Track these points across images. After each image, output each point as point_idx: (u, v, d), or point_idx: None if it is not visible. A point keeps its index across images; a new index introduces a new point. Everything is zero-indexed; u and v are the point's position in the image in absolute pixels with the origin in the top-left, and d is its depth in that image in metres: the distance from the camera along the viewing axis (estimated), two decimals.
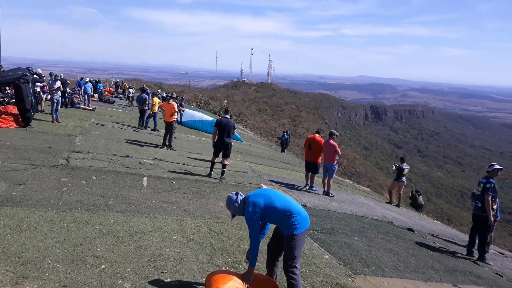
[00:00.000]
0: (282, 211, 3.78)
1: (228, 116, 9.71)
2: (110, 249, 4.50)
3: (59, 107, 13.80)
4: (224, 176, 9.70)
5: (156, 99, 16.63)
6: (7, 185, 6.15)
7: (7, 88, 14.13)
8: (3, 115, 11.60)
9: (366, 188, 20.95)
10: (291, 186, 10.83)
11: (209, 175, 9.76)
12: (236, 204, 3.86)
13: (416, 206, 14.66)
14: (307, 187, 11.00)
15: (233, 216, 3.99)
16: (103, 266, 4.07)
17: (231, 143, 9.70)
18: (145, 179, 8.24)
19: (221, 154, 9.71)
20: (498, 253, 9.20)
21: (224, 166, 9.67)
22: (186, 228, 5.67)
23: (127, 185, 7.49)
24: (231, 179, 9.91)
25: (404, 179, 12.46)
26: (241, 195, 3.93)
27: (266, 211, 3.78)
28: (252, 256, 3.82)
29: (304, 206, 8.75)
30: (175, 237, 5.21)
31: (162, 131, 14.73)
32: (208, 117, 24.03)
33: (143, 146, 12.44)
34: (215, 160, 9.82)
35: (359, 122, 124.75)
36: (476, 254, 7.65)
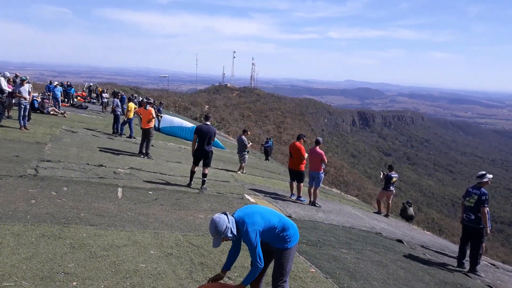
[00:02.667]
0: (278, 227, 3.77)
1: (208, 123, 9.71)
2: (82, 265, 4.44)
3: (26, 113, 13.58)
4: (204, 186, 9.67)
5: (131, 105, 16.53)
6: None
7: None
8: None
9: (354, 198, 21.15)
10: (275, 196, 10.86)
11: (188, 185, 9.72)
12: (229, 226, 3.54)
13: (406, 217, 14.86)
14: (294, 197, 11.06)
15: (218, 242, 3.59)
16: (74, 283, 4.02)
17: (212, 151, 9.70)
18: (120, 189, 8.16)
19: (201, 163, 9.69)
20: (489, 264, 9.39)
21: (204, 175, 9.66)
22: (164, 242, 5.64)
23: (100, 196, 7.40)
24: (212, 189, 9.89)
25: (392, 188, 12.63)
26: (230, 216, 3.64)
27: (264, 229, 3.71)
28: (251, 277, 3.67)
29: (289, 217, 8.78)
30: (152, 252, 5.18)
31: (139, 139, 14.63)
32: (188, 123, 23.96)
33: (118, 154, 12.32)
34: (195, 169, 9.80)
35: (346, 129, 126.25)
36: (467, 266, 7.79)
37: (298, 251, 6.36)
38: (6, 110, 14.75)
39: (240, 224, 3.63)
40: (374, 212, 13.53)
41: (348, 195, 21.51)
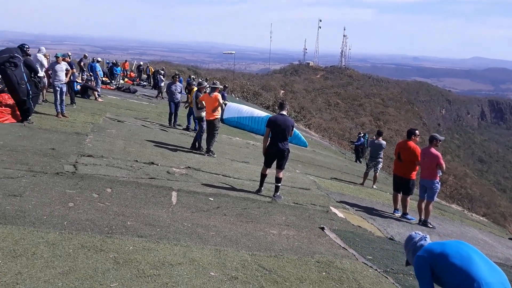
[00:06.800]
0: (454, 269, 3.69)
1: (284, 113, 9.70)
2: (128, 285, 4.62)
3: (63, 97, 14.40)
4: (278, 193, 9.72)
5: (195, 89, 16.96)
6: (0, 197, 6.50)
7: None
8: None
9: (481, 218, 20.15)
10: (372, 211, 10.65)
11: (258, 192, 9.83)
12: (409, 249, 4.17)
13: None
14: (398, 214, 10.78)
15: (407, 263, 4.29)
16: None
17: (288, 149, 9.68)
18: (174, 194, 8.43)
19: (274, 164, 9.74)
20: None
21: (278, 180, 9.69)
22: (227, 262, 5.73)
23: (151, 201, 7.70)
24: (288, 198, 9.91)
25: None
26: (427, 242, 4.09)
27: (440, 264, 3.74)
28: None
29: (390, 239, 8.59)
30: (212, 273, 5.28)
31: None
32: (260, 112, 24.21)
33: (175, 150, 12.81)
34: (267, 172, 9.87)
35: (473, 123, 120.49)
36: None
37: (403, 286, 6.18)
38: (41, 92, 15.80)
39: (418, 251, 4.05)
40: (510, 238, 12.84)
41: (473, 214, 20.53)
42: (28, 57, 13.28)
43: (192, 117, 17.20)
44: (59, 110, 14.30)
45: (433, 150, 10.10)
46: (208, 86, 15.01)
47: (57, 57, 14.70)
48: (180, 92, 17.86)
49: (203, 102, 13.34)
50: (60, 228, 5.78)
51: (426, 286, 3.76)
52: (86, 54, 27.75)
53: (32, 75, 12.84)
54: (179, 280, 4.93)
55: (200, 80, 18.24)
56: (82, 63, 28.00)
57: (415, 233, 4.21)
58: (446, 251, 3.73)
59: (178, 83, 18.07)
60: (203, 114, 13.74)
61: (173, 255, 5.57)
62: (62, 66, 14.44)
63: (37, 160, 8.88)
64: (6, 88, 13.37)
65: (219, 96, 13.23)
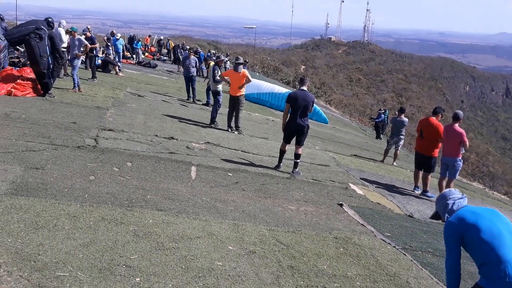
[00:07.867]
0: (483, 245, 3.62)
1: (305, 88, 9.67)
2: (147, 257, 4.71)
3: (74, 71, 14.24)
4: (297, 169, 9.74)
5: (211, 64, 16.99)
6: (22, 169, 6.63)
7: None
8: (18, 80, 12.45)
9: (502, 196, 19.99)
10: (391, 188, 10.62)
11: (277, 168, 9.85)
12: (440, 209, 4.06)
13: None
14: (418, 191, 10.73)
15: (436, 216, 4.18)
16: (137, 279, 4.27)
17: (308, 125, 9.67)
18: (193, 168, 8.51)
19: (294, 141, 9.74)
20: None
21: (297, 156, 9.70)
22: (245, 236, 5.79)
23: (170, 176, 7.78)
24: (307, 175, 9.93)
25: None
26: (462, 204, 3.97)
27: (469, 236, 3.68)
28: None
29: (410, 217, 8.56)
30: (230, 247, 5.35)
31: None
32: (281, 89, 24.13)
33: (199, 126, 12.92)
34: (286, 148, 9.87)
35: (497, 101, 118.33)
36: None
37: (421, 263, 6.18)
38: (62, 66, 15.89)
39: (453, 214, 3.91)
40: None
41: (495, 192, 20.37)
42: (53, 31, 13.38)
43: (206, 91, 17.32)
44: (77, 84, 14.31)
45: (456, 127, 9.98)
46: (227, 60, 14.99)
47: (70, 31, 14.78)
48: (194, 66, 17.89)
49: (226, 78, 13.31)
50: (81, 200, 5.89)
51: (452, 253, 3.72)
52: (114, 31, 27.95)
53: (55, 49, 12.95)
54: (197, 254, 5.01)
55: (219, 54, 18.23)
56: (106, 38, 28.30)
57: (449, 190, 4.13)
58: (478, 224, 3.64)
59: (192, 57, 18.08)
60: (219, 87, 13.77)
61: (192, 229, 5.65)
62: (75, 41, 14.49)
63: (59, 134, 9.01)
64: (28, 62, 13.50)
65: (247, 73, 13.18)
